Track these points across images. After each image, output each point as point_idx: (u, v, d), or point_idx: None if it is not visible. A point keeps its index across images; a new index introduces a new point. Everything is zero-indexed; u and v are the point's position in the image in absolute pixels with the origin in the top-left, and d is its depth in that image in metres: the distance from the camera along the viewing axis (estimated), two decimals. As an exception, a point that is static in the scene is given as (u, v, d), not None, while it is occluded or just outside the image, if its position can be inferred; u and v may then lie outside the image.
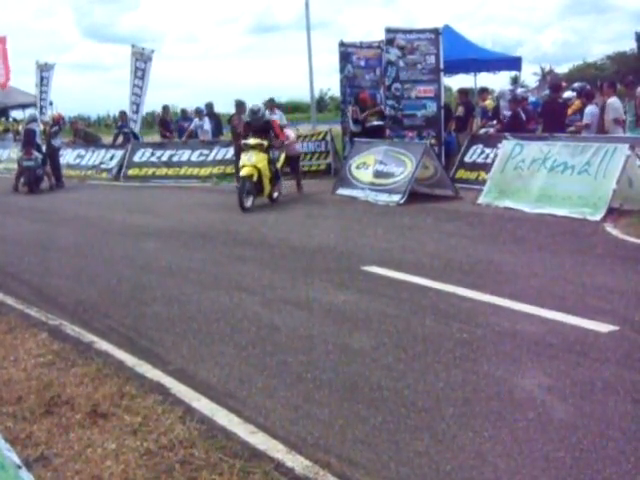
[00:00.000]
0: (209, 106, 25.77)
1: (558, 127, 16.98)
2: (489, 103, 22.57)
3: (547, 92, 21.82)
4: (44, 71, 30.94)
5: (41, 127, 27.00)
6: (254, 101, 19.37)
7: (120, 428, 4.94)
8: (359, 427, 4.87)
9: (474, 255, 10.39)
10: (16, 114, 42.91)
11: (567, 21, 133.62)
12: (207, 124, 24.32)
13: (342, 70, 21.61)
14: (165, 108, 27.30)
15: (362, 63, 21.35)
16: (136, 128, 26.81)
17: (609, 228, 12.17)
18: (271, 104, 24.02)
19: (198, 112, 24.96)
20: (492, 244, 11.30)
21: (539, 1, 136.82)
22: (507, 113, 19.47)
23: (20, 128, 30.90)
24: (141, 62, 26.66)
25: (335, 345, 6.56)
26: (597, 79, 24.42)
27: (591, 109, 17.34)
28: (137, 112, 27.10)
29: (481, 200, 15.07)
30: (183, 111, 27.82)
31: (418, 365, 5.97)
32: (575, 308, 7.43)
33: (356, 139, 19.11)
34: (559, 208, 13.50)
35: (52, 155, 23.15)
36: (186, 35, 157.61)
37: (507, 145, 15.57)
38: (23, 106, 39.05)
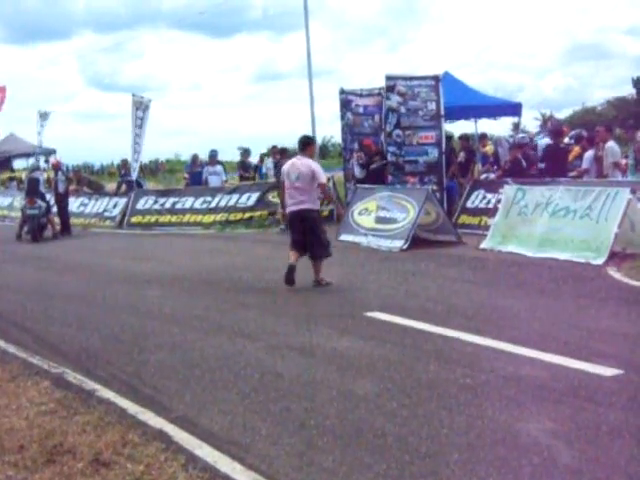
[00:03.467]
0: (213, 153, 25.88)
1: (560, 172, 17.06)
2: (489, 149, 22.70)
3: (545, 138, 21.92)
4: (44, 119, 31.23)
5: (45, 175, 27.22)
6: (258, 148, 19.40)
7: (122, 477, 4.91)
8: (363, 474, 4.83)
9: (477, 300, 10.38)
10: (20, 163, 43.24)
11: (568, 67, 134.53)
12: (221, 170, 24.50)
13: (343, 117, 21.77)
14: (246, 151, 27.24)
15: (361, 110, 21.50)
16: (134, 176, 26.89)
17: (612, 272, 12.16)
18: (275, 151, 24.23)
19: (211, 158, 25.14)
20: (495, 289, 11.30)
21: (540, 47, 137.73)
22: (506, 158, 19.58)
23: (23, 177, 31.13)
24: (140, 111, 26.84)
25: (339, 391, 6.53)
26: (596, 124, 24.57)
27: (589, 154, 17.43)
28: (137, 160, 27.22)
29: (484, 245, 15.08)
30: (194, 157, 27.79)
31: (422, 411, 5.94)
32: (579, 352, 7.41)
33: (359, 185, 19.20)
34: (562, 252, 13.51)
35: (60, 202, 23.31)
36: (190, 83, 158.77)
37: (509, 190, 15.62)
38: (27, 155, 39.31)
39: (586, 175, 17.05)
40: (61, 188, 23.52)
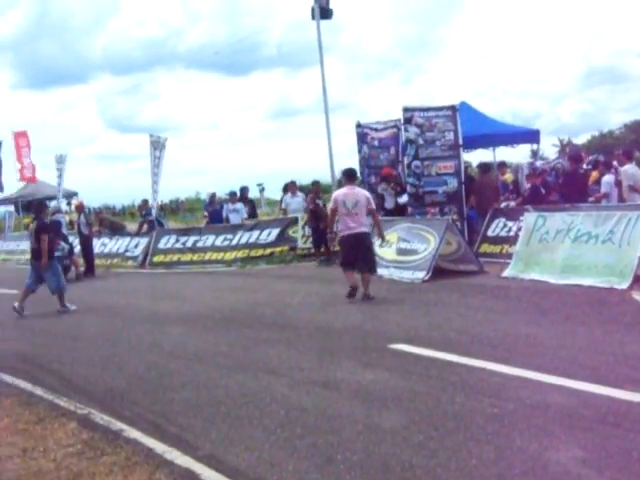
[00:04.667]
0: (243, 190, 26.01)
1: (580, 198, 17.01)
2: (508, 177, 22.67)
3: (560, 161, 21.88)
4: (60, 162, 31.52)
5: (67, 218, 27.42)
6: (275, 185, 19.58)
7: (151, 517, 4.91)
8: (392, 508, 4.80)
9: (502, 329, 10.32)
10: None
11: (584, 92, 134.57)
12: (241, 208, 24.54)
13: (360, 151, 21.85)
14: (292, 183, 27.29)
15: (376, 143, 21.57)
16: (153, 215, 27.06)
17: (636, 296, 12.06)
18: (292, 186, 24.29)
19: (231, 196, 25.22)
20: (519, 317, 11.22)
21: (555, 73, 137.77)
22: (527, 186, 19.54)
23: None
24: (157, 150, 27.07)
25: (365, 425, 6.50)
26: (615, 148, 24.48)
27: (607, 178, 17.39)
28: (155, 199, 27.41)
29: (506, 273, 15.02)
30: (212, 196, 27.93)
31: (450, 442, 5.90)
32: (606, 378, 7.35)
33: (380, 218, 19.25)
34: (585, 278, 13.43)
35: (84, 244, 23.48)
36: (208, 123, 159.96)
37: (529, 218, 15.58)
38: (49, 199, 39.62)
39: (605, 200, 17.00)
40: (85, 230, 23.68)
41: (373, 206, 14.25)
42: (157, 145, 27.14)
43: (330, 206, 14.54)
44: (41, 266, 15.66)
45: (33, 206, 16.92)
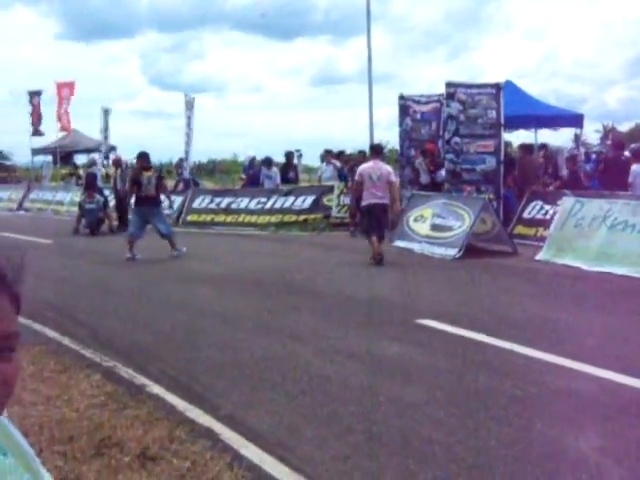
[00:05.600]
0: (288, 155, 26.08)
1: (620, 185, 16.81)
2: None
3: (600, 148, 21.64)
4: (105, 116, 31.65)
5: (103, 171, 27.53)
6: (312, 152, 19.75)
7: (168, 472, 4.95)
8: (408, 481, 4.81)
9: (530, 312, 10.28)
10: (81, 159, 43.81)
11: (632, 79, 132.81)
12: (276, 173, 24.63)
13: (401, 123, 21.70)
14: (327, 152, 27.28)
15: (419, 117, 21.40)
16: (185, 175, 27.21)
17: (669, 289, 11.97)
18: (328, 155, 24.28)
19: (266, 162, 25.28)
20: (549, 301, 11.16)
21: (604, 58, 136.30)
22: (564, 172, 19.38)
23: (81, 172, 31.54)
24: (189, 110, 27.29)
25: (386, 397, 6.51)
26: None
27: (635, 168, 17.18)
28: (186, 159, 27.58)
29: (539, 257, 14.92)
30: (252, 159, 28.14)
31: (470, 421, 5.89)
32: (632, 368, 7.28)
33: (415, 192, 19.18)
34: (618, 267, 13.30)
35: (120, 199, 23.60)
36: (250, 85, 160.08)
37: (567, 202, 15.44)
38: (88, 151, 39.80)
39: (631, 189, 16.77)
40: (121, 185, 23.77)
41: (393, 179, 15.48)
42: (189, 105, 27.36)
43: (356, 179, 15.67)
44: (151, 212, 16.84)
45: (144, 155, 17.43)
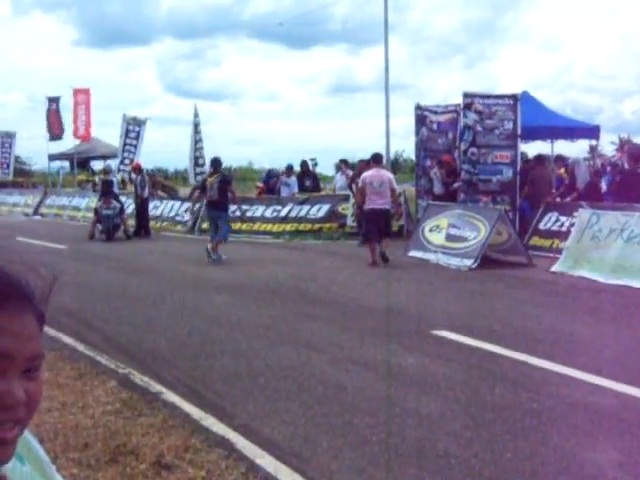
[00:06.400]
0: (304, 164, 26.22)
1: (637, 198, 16.71)
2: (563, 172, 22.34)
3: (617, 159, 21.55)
4: (131, 124, 31.68)
5: (119, 178, 27.64)
6: (328, 161, 20.12)
7: (183, 481, 4.94)
8: (424, 494, 4.79)
9: (546, 324, 10.23)
10: (99, 165, 44.05)
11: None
12: (294, 182, 24.78)
13: (417, 133, 21.70)
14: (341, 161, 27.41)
15: (435, 127, 21.39)
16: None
17: (686, 303, 11.89)
18: (342, 164, 24.38)
19: (288, 169, 25.44)
20: (565, 313, 11.12)
21: (620, 70, 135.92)
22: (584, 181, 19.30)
23: (97, 179, 31.66)
24: (197, 118, 27.65)
25: (402, 408, 6.49)
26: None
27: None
28: (203, 165, 27.74)
29: (555, 268, 14.86)
30: (269, 171, 28.61)
31: (486, 434, 5.87)
32: (650, 383, 7.25)
33: (430, 202, 19.16)
34: (635, 280, 13.22)
35: (141, 205, 23.70)
36: (266, 93, 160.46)
37: (583, 214, 15.38)
38: (104, 157, 39.97)
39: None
40: (141, 190, 23.83)
41: (394, 186, 16.60)
42: (197, 114, 27.75)
43: (359, 186, 16.99)
44: (219, 215, 17.50)
45: (214, 161, 18.07)
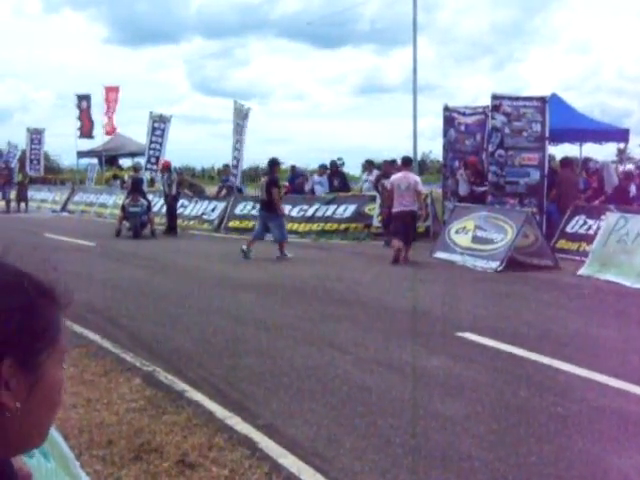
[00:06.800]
0: (334, 164, 26.33)
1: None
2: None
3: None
4: (157, 122, 31.74)
5: (147, 176, 27.78)
6: (354, 161, 20.31)
7: (207, 480, 4.96)
8: (447, 497, 4.78)
9: (572, 327, 10.18)
10: (125, 162, 44.29)
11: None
12: (325, 181, 24.88)
13: (445, 134, 21.65)
14: (367, 162, 27.51)
15: (463, 128, 21.33)
16: (236, 182, 27.36)
17: None
18: (369, 165, 24.43)
19: (321, 169, 25.54)
20: (591, 317, 11.05)
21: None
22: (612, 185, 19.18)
23: (126, 177, 31.81)
24: (240, 119, 27.33)
25: (426, 410, 6.48)
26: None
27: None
28: (237, 166, 27.64)
29: (582, 272, 14.77)
30: (293, 168, 28.64)
31: (510, 437, 5.84)
32: (676, 389, 7.19)
33: (457, 204, 19.12)
34: (662, 285, 13.13)
35: (170, 203, 23.82)
36: (294, 92, 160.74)
37: (611, 218, 15.28)
38: (132, 155, 40.18)
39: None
40: (172, 189, 23.91)
41: (420, 188, 17.02)
42: (240, 113, 27.43)
43: (388, 188, 17.72)
44: (269, 216, 17.71)
45: (269, 162, 18.61)
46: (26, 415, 1.24)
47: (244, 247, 17.23)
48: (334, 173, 25.86)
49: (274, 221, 17.66)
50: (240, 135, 27.35)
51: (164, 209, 24.77)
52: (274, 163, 18.47)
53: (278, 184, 18.10)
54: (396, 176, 17.12)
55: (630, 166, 23.12)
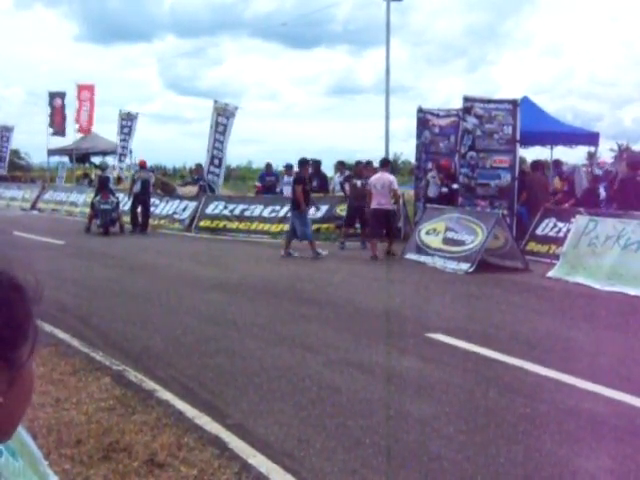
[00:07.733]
0: (316, 163, 26.10)
1: (636, 205, 16.71)
2: (557, 183, 22.29)
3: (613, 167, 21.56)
4: (125, 120, 31.58)
5: (115, 174, 27.75)
6: (327, 161, 20.50)
7: (176, 479, 4.94)
8: (416, 497, 4.79)
9: (542, 329, 10.24)
10: (96, 160, 44.05)
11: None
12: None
13: (419, 136, 21.69)
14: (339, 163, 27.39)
15: (437, 130, 21.38)
16: (219, 182, 27.27)
17: (682, 311, 11.89)
18: (340, 166, 24.40)
19: (287, 168, 25.39)
20: (560, 319, 11.12)
21: (620, 77, 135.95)
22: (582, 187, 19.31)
23: (93, 175, 31.76)
24: (223, 117, 27.18)
25: (396, 411, 6.50)
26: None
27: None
28: (219, 166, 27.47)
29: (551, 274, 14.86)
30: (267, 166, 28.46)
31: (479, 438, 5.87)
32: (644, 391, 7.25)
33: (428, 205, 19.16)
34: (631, 287, 13.22)
35: (145, 201, 23.82)
36: (267, 93, 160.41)
37: (581, 220, 15.39)
38: (104, 153, 39.94)
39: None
40: (142, 187, 23.89)
41: (395, 187, 18.19)
42: (223, 112, 27.25)
43: (366, 188, 18.44)
44: (293, 214, 18.35)
45: (299, 162, 19.07)
46: (4, 409, 1.23)
47: (282, 253, 17.81)
48: (315, 173, 25.70)
49: (297, 219, 18.17)
50: (223, 134, 27.21)
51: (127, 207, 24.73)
52: (303, 162, 19.00)
53: (303, 182, 18.32)
54: (374, 177, 18.23)
55: (598, 171, 23.17)
